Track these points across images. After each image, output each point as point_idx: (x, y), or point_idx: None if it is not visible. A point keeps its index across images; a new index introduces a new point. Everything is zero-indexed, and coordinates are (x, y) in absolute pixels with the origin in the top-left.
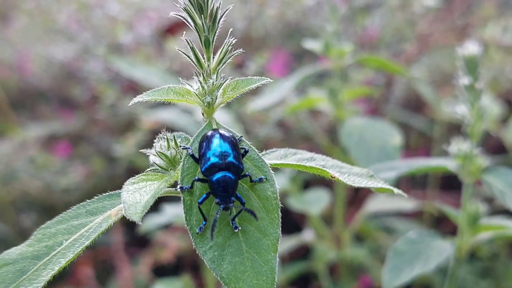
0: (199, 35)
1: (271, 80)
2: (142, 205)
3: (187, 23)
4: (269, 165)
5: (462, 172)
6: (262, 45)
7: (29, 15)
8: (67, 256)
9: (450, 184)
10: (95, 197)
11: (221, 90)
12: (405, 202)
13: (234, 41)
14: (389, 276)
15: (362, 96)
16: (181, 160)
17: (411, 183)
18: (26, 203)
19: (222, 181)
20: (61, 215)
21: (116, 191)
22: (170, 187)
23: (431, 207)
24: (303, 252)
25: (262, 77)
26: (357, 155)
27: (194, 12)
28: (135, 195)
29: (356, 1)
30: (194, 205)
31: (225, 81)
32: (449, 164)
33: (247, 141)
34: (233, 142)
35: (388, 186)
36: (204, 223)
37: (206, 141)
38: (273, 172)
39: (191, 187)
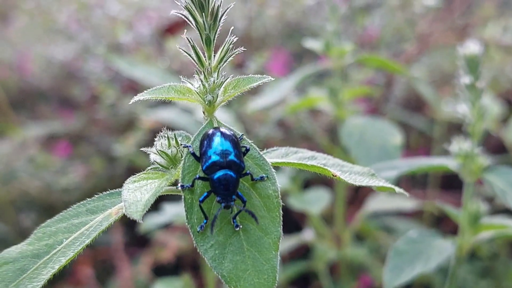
0: (200, 34)
1: (272, 79)
2: (142, 203)
3: (188, 22)
4: (270, 163)
5: (463, 171)
6: (262, 44)
7: (29, 15)
8: (68, 255)
9: (450, 183)
10: (95, 196)
11: (222, 89)
12: (406, 202)
13: (235, 40)
14: (389, 275)
15: (362, 96)
16: (182, 158)
17: (411, 182)
18: (26, 203)
19: (223, 179)
20: (61, 213)
21: (117, 190)
22: (171, 186)
23: (431, 206)
24: (303, 252)
25: (263, 76)
26: (358, 154)
27: (195, 10)
28: (136, 194)
29: (356, 1)
30: (195, 204)
31: (226, 79)
32: (450, 163)
33: (248, 140)
34: (234, 141)
35: (389, 185)
36: (205, 221)
37: (207, 139)
38: (274, 170)
39: (192, 185)
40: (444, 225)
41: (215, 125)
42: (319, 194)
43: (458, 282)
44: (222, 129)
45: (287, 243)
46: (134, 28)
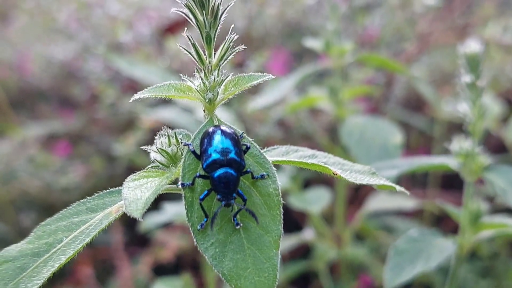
0: (200, 32)
1: (273, 77)
2: (143, 201)
3: (188, 20)
4: (270, 161)
5: (463, 170)
6: (262, 44)
7: (29, 14)
8: (68, 253)
9: (450, 183)
10: (95, 194)
11: (222, 87)
12: (406, 201)
13: (235, 38)
14: (390, 274)
15: (362, 95)
16: (182, 157)
17: (411, 182)
18: (26, 202)
19: (223, 177)
20: (61, 212)
21: (117, 188)
22: (171, 184)
23: (431, 206)
24: (303, 251)
25: (264, 74)
26: (358, 153)
27: (196, 8)
28: (136, 192)
29: (356, 1)
30: (195, 202)
31: (227, 77)
32: (451, 162)
33: (248, 138)
34: (235, 139)
35: (390, 184)
36: (205, 219)
37: (207, 137)
38: (274, 168)
39: (193, 183)
40: (444, 224)
41: (216, 123)
42: (319, 194)
43: (458, 281)
44: (223, 127)
45: (287, 242)
46: (134, 27)
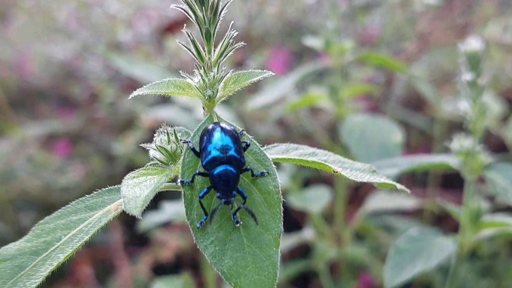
0: (200, 28)
1: (273, 74)
2: (142, 199)
3: (188, 16)
4: (270, 159)
5: (464, 169)
6: (262, 43)
7: (28, 13)
8: (66, 252)
9: (450, 182)
10: (94, 192)
11: (222, 84)
12: (406, 200)
13: (235, 34)
14: (390, 273)
15: (362, 94)
16: (182, 154)
17: (411, 181)
18: (25, 202)
19: (223, 174)
20: (60, 210)
21: (116, 186)
22: (171, 182)
23: (431, 205)
24: (303, 251)
25: (264, 71)
26: (358, 152)
27: (195, 4)
28: (135, 189)
29: (356, 0)
30: (195, 200)
31: (227, 74)
32: (451, 161)
33: (248, 135)
34: (235, 136)
35: (390, 182)
36: (205, 217)
37: (207, 134)
38: (274, 166)
39: (192, 181)
40: (444, 224)
41: (215, 120)
42: (319, 193)
43: (458, 281)
44: (222, 124)
45: (287, 241)
46: (134, 27)
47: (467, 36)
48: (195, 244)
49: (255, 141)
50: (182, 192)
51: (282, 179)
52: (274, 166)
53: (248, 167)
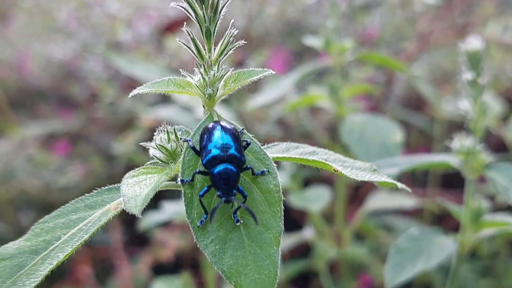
0: (200, 26)
1: (273, 72)
2: (142, 198)
3: (188, 14)
4: (271, 158)
5: (464, 168)
6: (262, 43)
7: (28, 13)
8: (66, 251)
9: (450, 182)
10: (94, 191)
11: (222, 82)
12: (406, 200)
13: (235, 32)
14: (391, 273)
15: (362, 94)
16: (182, 153)
17: (411, 181)
18: (25, 201)
19: (223, 173)
20: (59, 209)
21: (116, 185)
22: (171, 181)
23: (431, 205)
24: (303, 250)
25: (264, 69)
26: (358, 152)
27: (195, 2)
28: (135, 188)
29: (356, 0)
30: (195, 198)
31: (227, 72)
32: (452, 160)
33: (249, 134)
34: (235, 134)
35: (391, 180)
36: (205, 216)
37: (207, 133)
38: (275, 165)
39: (192, 180)
40: (444, 224)
41: (215, 119)
42: (319, 192)
43: (459, 281)
44: (223, 123)
45: (287, 241)
46: (134, 26)
47: (467, 36)
48: (195, 244)
49: (255, 140)
50: (182, 191)
51: (282, 178)
52: (274, 164)
53: (249, 165)
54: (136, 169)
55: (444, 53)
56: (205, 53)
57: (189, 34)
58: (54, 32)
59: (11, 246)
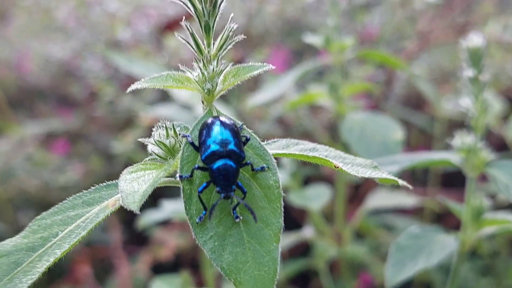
0: (199, 21)
1: (273, 67)
2: (140, 194)
3: (187, 8)
4: (271, 153)
5: (465, 166)
6: (261, 42)
7: (27, 12)
8: (63, 247)
9: (450, 181)
10: (92, 187)
11: (221, 77)
12: (406, 198)
13: (235, 27)
14: (392, 271)
15: (362, 93)
16: (181, 149)
17: (411, 180)
18: (24, 201)
19: (222, 169)
20: (57, 206)
21: (114, 181)
22: (169, 177)
23: (432, 203)
24: (302, 249)
25: (264, 64)
26: (358, 150)
27: None
28: (133, 184)
29: None
30: (194, 194)
31: (226, 67)
32: (453, 158)
33: (248, 129)
34: (234, 130)
35: (392, 177)
36: (204, 212)
37: (206, 128)
38: (275, 161)
39: (191, 175)
40: (444, 223)
41: (215, 114)
42: (319, 191)
43: (459, 279)
44: (222, 118)
45: (287, 240)
46: (133, 25)
47: (467, 34)
48: (195, 243)
49: (255, 135)
50: (181, 187)
51: (282, 176)
52: (274, 160)
53: (248, 161)
54: (134, 165)
55: (444, 52)
56: (204, 47)
57: (188, 29)
58: (53, 31)
59: (8, 243)
